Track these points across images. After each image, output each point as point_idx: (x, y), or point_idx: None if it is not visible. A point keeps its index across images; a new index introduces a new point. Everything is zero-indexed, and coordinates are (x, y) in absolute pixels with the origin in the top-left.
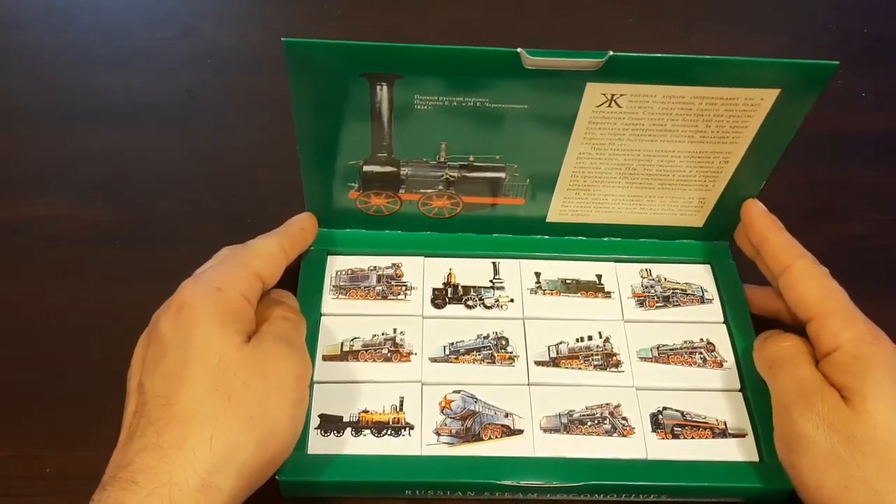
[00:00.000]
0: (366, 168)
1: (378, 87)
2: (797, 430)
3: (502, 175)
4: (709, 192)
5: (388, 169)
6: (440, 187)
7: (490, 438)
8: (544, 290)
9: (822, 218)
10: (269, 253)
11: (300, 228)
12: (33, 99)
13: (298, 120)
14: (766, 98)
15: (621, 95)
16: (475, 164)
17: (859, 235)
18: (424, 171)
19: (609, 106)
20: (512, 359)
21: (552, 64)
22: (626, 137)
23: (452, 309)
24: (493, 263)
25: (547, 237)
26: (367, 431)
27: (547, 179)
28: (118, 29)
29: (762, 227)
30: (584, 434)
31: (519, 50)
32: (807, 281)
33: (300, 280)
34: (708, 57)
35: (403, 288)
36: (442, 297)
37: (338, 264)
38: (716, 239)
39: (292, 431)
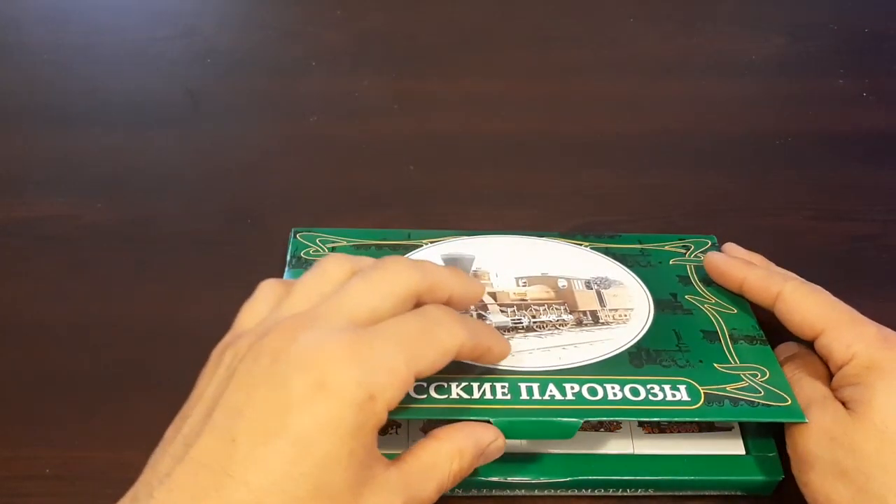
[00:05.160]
0: None
1: None
2: (801, 447)
3: None
4: None
5: None
6: None
7: None
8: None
9: (822, 218)
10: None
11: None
12: (33, 99)
13: None
14: None
15: None
16: None
17: (859, 235)
18: None
19: None
20: None
21: None
22: None
23: None
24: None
25: None
26: None
27: None
28: (118, 29)
29: (734, 272)
30: None
31: None
32: (804, 299)
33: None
34: None
35: None
36: None
37: None
38: None
39: None
